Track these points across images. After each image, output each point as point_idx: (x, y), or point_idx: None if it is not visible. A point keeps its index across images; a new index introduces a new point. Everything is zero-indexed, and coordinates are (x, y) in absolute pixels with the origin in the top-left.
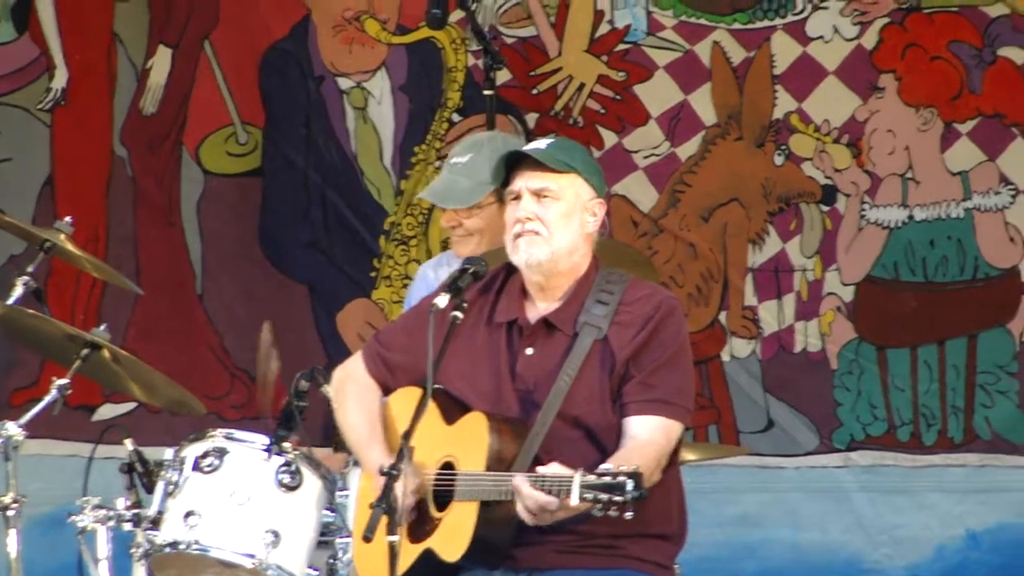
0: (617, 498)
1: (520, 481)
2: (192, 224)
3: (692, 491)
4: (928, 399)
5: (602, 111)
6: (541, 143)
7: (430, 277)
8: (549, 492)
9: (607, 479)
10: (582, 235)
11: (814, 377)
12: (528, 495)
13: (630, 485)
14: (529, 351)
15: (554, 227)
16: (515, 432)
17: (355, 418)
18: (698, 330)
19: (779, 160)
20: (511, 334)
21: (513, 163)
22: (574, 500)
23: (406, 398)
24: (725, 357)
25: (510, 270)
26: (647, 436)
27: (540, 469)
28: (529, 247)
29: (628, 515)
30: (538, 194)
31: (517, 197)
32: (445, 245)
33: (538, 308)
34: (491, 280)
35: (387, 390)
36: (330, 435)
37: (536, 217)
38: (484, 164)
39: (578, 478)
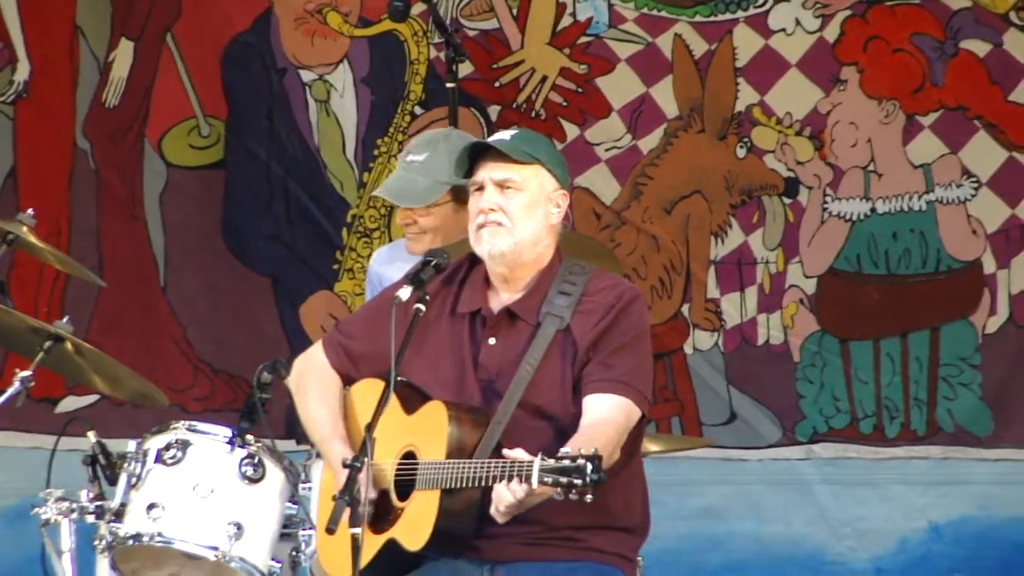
0: (576, 481)
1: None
2: (155, 217)
3: (655, 483)
4: (891, 391)
5: (564, 104)
6: (505, 134)
7: (383, 276)
8: (510, 477)
9: (566, 463)
10: (545, 226)
11: (777, 369)
12: (499, 498)
13: (589, 468)
14: (492, 341)
15: (517, 218)
16: (475, 421)
17: (317, 410)
18: (661, 322)
19: (741, 153)
20: (474, 325)
21: (477, 154)
22: (534, 484)
23: (368, 389)
24: (688, 349)
25: (473, 261)
26: (606, 414)
27: (505, 452)
28: (492, 238)
29: (588, 498)
30: (501, 185)
31: (480, 188)
32: None
33: (501, 298)
34: (454, 271)
35: (348, 380)
36: (293, 428)
37: (499, 208)
38: (441, 162)
39: (537, 462)
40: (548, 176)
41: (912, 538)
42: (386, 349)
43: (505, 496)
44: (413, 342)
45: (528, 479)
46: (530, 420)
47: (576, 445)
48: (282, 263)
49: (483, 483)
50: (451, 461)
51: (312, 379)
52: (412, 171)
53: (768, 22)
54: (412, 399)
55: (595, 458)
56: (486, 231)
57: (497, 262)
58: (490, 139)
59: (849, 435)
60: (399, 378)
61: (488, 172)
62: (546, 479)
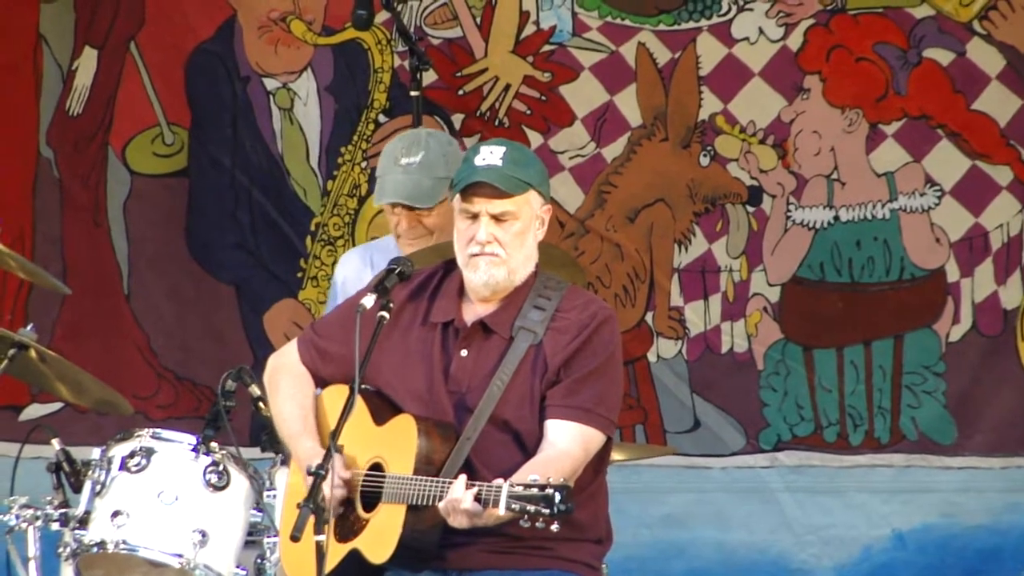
0: (544, 510)
1: (458, 483)
2: (119, 224)
3: (618, 491)
4: (855, 400)
5: (528, 112)
6: (495, 156)
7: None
8: (478, 499)
9: (535, 491)
10: (534, 245)
11: (740, 377)
12: (453, 501)
13: (558, 498)
14: (464, 353)
15: (511, 247)
16: (444, 436)
17: (288, 407)
18: (625, 330)
19: (705, 161)
20: (446, 335)
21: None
22: (501, 510)
23: (338, 396)
24: (652, 358)
25: (448, 269)
26: (564, 446)
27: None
28: (490, 268)
29: (554, 528)
30: (497, 218)
31: (474, 216)
32: None
33: (476, 310)
34: (428, 278)
35: (318, 379)
36: (258, 435)
37: (494, 239)
38: (437, 160)
39: (506, 488)
40: (537, 196)
41: (876, 546)
42: (355, 354)
43: (469, 509)
44: (383, 348)
45: (496, 504)
46: (497, 435)
47: (531, 472)
48: (246, 271)
49: None
50: (418, 478)
51: (284, 376)
52: (412, 172)
53: (731, 31)
54: (382, 409)
55: (563, 488)
56: (482, 260)
57: (490, 289)
58: (482, 162)
59: (813, 443)
60: (369, 387)
61: (484, 205)
62: (513, 506)
